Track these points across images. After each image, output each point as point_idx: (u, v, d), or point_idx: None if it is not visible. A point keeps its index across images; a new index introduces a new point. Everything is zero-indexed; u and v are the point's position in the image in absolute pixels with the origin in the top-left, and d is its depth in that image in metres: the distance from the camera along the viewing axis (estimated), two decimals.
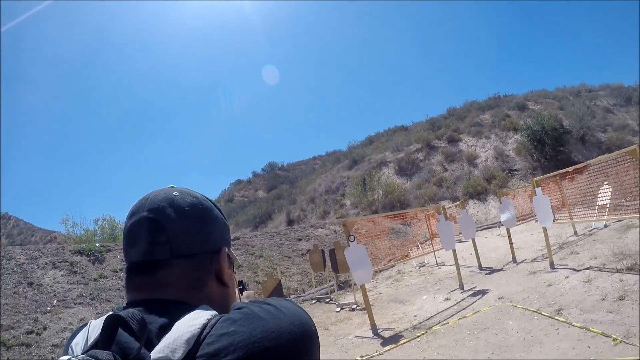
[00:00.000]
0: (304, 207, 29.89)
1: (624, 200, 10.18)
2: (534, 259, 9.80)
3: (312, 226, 16.60)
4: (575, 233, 11.61)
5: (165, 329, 0.62)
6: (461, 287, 8.67)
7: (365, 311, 7.16)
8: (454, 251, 8.93)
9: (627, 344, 4.46)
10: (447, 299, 8.26)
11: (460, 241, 11.94)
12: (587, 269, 7.65)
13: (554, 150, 22.79)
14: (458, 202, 11.96)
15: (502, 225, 11.74)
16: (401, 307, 8.35)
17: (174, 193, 0.77)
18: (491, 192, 21.44)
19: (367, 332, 7.01)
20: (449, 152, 26.13)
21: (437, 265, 12.69)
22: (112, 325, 0.58)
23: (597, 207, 11.92)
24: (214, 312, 0.66)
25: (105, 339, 0.58)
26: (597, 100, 30.02)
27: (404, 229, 17.43)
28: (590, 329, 5.06)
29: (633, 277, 6.52)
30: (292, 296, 10.84)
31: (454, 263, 9.05)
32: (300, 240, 15.13)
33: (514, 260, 10.10)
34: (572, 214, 11.46)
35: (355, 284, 8.58)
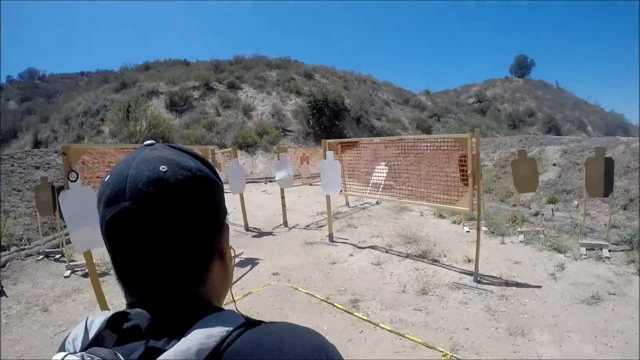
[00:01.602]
0: (55, 128, 23.87)
1: (393, 182, 9.86)
2: (308, 226, 8.53)
3: (56, 152, 12.22)
4: (347, 204, 11.09)
5: (177, 334, 0.53)
6: None
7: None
8: None
9: None
10: None
11: (225, 192, 9.86)
12: (371, 247, 6.60)
13: (330, 123, 23.48)
14: (229, 149, 9.78)
15: (272, 182, 10.17)
16: None
17: (161, 168, 0.59)
18: (261, 147, 20.55)
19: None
20: (227, 97, 24.06)
21: None
22: (116, 322, 0.55)
23: (370, 184, 11.73)
24: (231, 327, 0.55)
25: (106, 336, 0.54)
26: (379, 92, 32.75)
27: None
28: (408, 336, 3.62)
29: (427, 266, 5.63)
30: (13, 248, 6.86)
31: None
32: (38, 168, 11.09)
33: (285, 224, 8.63)
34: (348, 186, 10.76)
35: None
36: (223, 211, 0.68)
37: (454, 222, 8.40)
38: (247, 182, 15.55)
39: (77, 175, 3.72)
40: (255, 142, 20.61)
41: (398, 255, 6.14)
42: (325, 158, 7.03)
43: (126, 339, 0.54)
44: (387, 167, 9.87)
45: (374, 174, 10.35)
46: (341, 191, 7.13)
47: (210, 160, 6.44)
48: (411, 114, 31.07)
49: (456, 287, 4.83)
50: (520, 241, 6.71)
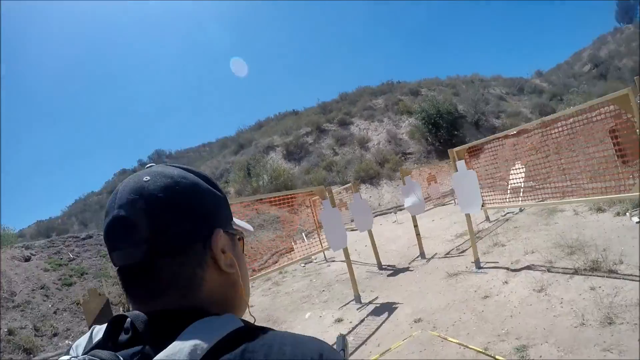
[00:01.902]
0: None
1: (533, 182, 8.46)
2: (448, 254, 7.66)
3: None
4: (488, 219, 9.86)
5: (173, 337, 0.53)
6: (357, 298, 6.13)
7: None
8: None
9: None
10: (339, 319, 5.62)
11: (352, 230, 9.47)
12: (528, 268, 5.53)
13: (449, 134, 22.21)
14: (349, 184, 9.30)
15: (402, 210, 9.43)
16: None
17: (144, 179, 0.64)
18: (384, 176, 20.06)
19: None
20: (340, 135, 24.29)
21: (326, 261, 10.27)
22: (116, 325, 0.58)
23: (509, 190, 10.42)
24: (229, 329, 0.56)
25: (109, 339, 0.57)
26: (490, 88, 30.61)
27: (280, 216, 14.84)
28: None
29: (604, 281, 4.44)
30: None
31: (344, 258, 6.41)
32: None
33: (422, 255, 7.88)
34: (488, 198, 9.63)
35: None
36: (212, 219, 0.67)
37: (618, 214, 6.80)
38: (376, 215, 15.11)
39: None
40: (378, 173, 20.24)
41: (564, 273, 4.99)
42: (456, 170, 6.25)
43: (126, 343, 0.56)
44: (523, 166, 8.58)
45: (511, 177, 9.11)
46: (482, 205, 6.20)
47: (327, 198, 6.22)
48: (530, 102, 28.30)
49: None
50: None
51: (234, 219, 0.75)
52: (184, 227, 0.62)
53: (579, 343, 3.42)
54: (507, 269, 5.75)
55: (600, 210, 7.36)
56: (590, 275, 4.71)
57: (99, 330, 0.62)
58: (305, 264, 10.43)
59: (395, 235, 10.97)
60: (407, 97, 27.96)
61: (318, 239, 8.50)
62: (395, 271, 7.43)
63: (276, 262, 11.23)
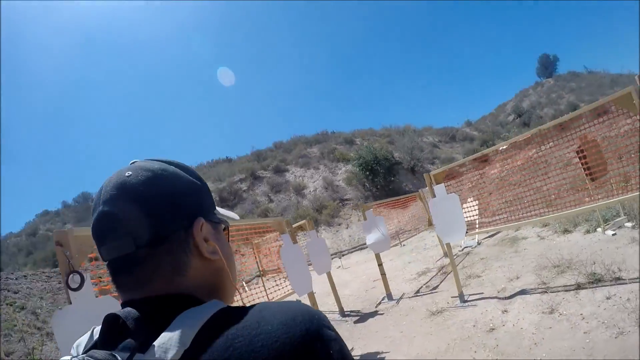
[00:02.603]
0: None
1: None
2: (418, 292, 6.85)
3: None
4: (446, 254, 9.26)
5: (161, 329, 0.56)
6: None
7: None
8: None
9: None
10: None
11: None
12: (521, 293, 4.89)
13: (385, 180, 22.28)
14: (302, 222, 8.34)
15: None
16: None
17: (126, 174, 0.66)
18: (323, 222, 19.45)
19: None
20: (275, 182, 23.53)
21: None
22: (110, 324, 0.58)
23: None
24: (212, 311, 0.58)
25: (105, 339, 0.58)
26: (424, 137, 31.66)
27: None
28: None
29: (616, 289, 3.98)
30: None
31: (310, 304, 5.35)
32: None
33: (389, 296, 6.99)
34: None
35: None
36: (194, 208, 0.69)
37: (588, 232, 6.55)
38: None
39: (82, 278, 2.40)
40: (316, 219, 19.52)
41: (566, 291, 4.46)
42: (434, 196, 5.73)
43: (121, 340, 0.56)
44: (476, 200, 8.16)
45: (465, 212, 8.72)
46: (467, 232, 5.63)
47: (287, 230, 5.29)
48: (462, 148, 29.51)
49: None
50: None
51: (218, 208, 0.77)
52: (165, 217, 0.65)
53: (629, 351, 2.76)
54: (497, 298, 5.08)
55: (566, 231, 7.07)
56: (597, 287, 4.25)
57: (98, 330, 0.61)
58: None
59: (343, 280, 9.99)
60: (342, 146, 28.11)
61: (274, 283, 7.35)
62: (362, 317, 6.47)
63: None
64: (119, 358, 0.52)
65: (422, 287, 7.08)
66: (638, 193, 4.11)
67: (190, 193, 0.70)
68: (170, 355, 0.52)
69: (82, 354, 0.55)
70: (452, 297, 5.69)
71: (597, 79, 43.07)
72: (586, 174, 5.12)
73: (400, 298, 6.78)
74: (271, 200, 22.12)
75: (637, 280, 4.10)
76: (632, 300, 3.61)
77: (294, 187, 22.81)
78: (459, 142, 31.64)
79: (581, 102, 35.52)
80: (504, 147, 5.76)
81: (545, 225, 8.00)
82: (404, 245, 12.23)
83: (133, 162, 0.71)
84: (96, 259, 2.80)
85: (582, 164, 5.10)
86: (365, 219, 7.48)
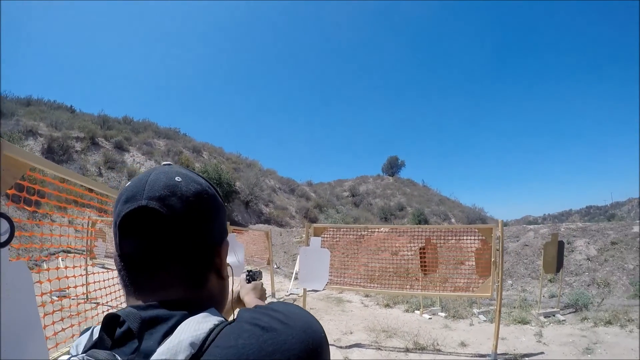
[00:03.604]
0: None
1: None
2: None
3: None
4: (273, 294, 9.78)
5: (170, 332, 0.57)
6: None
7: None
8: None
9: None
10: None
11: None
12: (357, 346, 5.69)
13: None
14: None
15: None
16: None
17: (176, 178, 0.68)
18: None
19: None
20: (112, 157, 21.42)
21: None
22: (110, 324, 0.58)
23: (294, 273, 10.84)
24: (220, 318, 0.60)
25: (105, 338, 0.57)
26: (266, 178, 32.46)
27: None
28: None
29: (442, 358, 5.10)
30: None
31: None
32: None
33: None
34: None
35: None
36: (224, 230, 0.75)
37: (407, 311, 7.91)
38: None
39: (12, 228, 1.59)
40: None
41: (397, 351, 5.37)
42: (307, 245, 6.23)
43: (122, 340, 0.58)
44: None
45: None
46: (327, 284, 6.19)
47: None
48: (297, 203, 31.46)
49: None
50: (484, 320, 7.02)
51: None
52: (205, 231, 0.69)
53: None
54: (336, 346, 5.68)
55: (387, 306, 8.32)
56: (423, 353, 5.26)
57: (99, 330, 0.61)
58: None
59: None
60: (188, 152, 27.38)
61: None
62: None
63: None
64: (118, 358, 0.53)
65: None
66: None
67: (223, 216, 0.75)
68: (180, 357, 0.52)
69: (81, 353, 0.56)
70: None
71: (428, 193, 49.85)
72: (421, 268, 6.84)
73: None
74: (101, 174, 19.94)
75: (452, 354, 5.21)
76: None
77: (129, 171, 21.05)
78: (296, 196, 33.57)
79: (409, 205, 40.97)
80: (384, 230, 6.83)
81: (367, 296, 9.22)
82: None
83: (166, 164, 0.75)
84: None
85: (421, 260, 6.83)
86: None
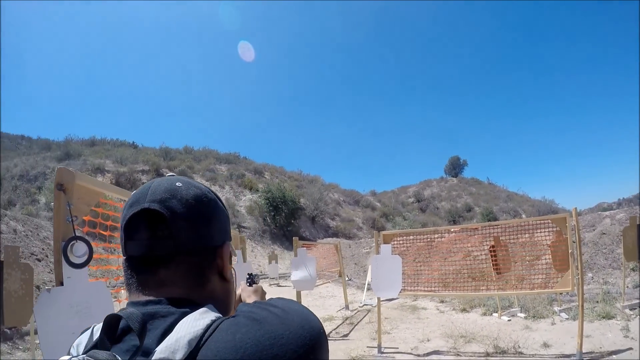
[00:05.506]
0: None
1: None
2: (329, 336, 7.25)
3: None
4: (347, 307, 9.90)
5: (169, 330, 0.58)
6: None
7: None
8: None
9: None
10: None
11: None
12: (435, 353, 5.65)
13: (286, 221, 22.95)
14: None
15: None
16: None
17: (177, 184, 0.74)
18: None
19: None
20: None
21: None
22: (111, 324, 0.59)
23: (367, 284, 10.94)
24: (218, 314, 0.62)
25: (105, 339, 0.58)
26: (329, 192, 33.01)
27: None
28: None
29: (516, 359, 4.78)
30: None
31: None
32: None
33: None
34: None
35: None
36: (224, 233, 0.78)
37: (485, 314, 7.72)
38: None
39: (90, 251, 1.99)
40: None
41: (477, 356, 5.30)
42: (377, 253, 6.28)
43: (121, 338, 0.60)
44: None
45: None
46: (401, 291, 6.22)
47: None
48: (363, 214, 31.53)
49: None
50: (567, 318, 6.73)
51: None
52: (206, 232, 0.72)
53: None
54: (413, 354, 5.71)
55: (464, 310, 8.16)
56: (504, 357, 5.16)
57: (99, 329, 0.61)
58: None
59: None
60: (251, 174, 28.41)
61: None
62: None
63: None
64: (119, 358, 0.54)
65: (330, 332, 7.52)
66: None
67: (224, 219, 0.78)
68: (178, 356, 0.53)
69: (82, 353, 0.56)
70: (367, 347, 6.19)
71: (494, 190, 48.40)
72: (494, 268, 6.61)
73: None
74: None
75: (535, 356, 5.07)
76: None
77: None
78: (361, 207, 33.75)
79: (476, 205, 39.70)
80: (455, 230, 6.75)
81: (442, 301, 9.11)
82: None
83: (170, 175, 0.79)
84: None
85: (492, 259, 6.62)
86: (295, 255, 7.81)
